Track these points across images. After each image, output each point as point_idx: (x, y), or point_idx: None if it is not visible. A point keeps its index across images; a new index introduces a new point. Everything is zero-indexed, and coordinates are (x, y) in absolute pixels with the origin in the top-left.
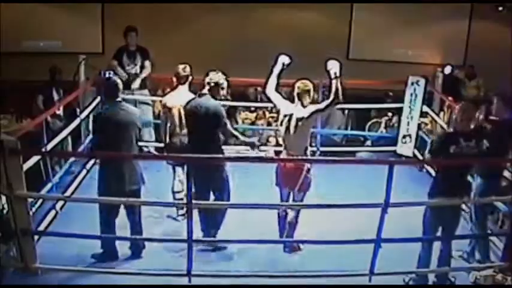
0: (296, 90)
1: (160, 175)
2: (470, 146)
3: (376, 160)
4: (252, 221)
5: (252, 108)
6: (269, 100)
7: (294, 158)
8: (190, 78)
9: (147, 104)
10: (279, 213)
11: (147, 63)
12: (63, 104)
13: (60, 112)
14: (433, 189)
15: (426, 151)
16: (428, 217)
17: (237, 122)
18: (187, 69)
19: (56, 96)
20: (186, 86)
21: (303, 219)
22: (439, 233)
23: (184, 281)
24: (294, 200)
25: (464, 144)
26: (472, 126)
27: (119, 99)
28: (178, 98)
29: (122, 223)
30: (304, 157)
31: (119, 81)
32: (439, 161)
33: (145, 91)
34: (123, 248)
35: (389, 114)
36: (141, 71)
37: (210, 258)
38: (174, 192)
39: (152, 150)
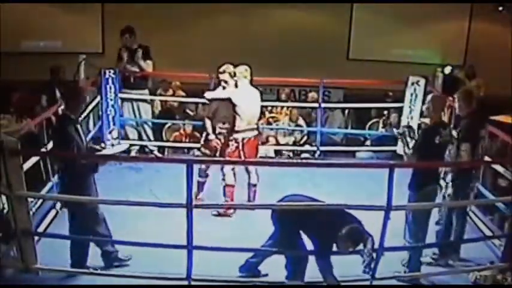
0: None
1: (159, 175)
2: (447, 134)
3: (376, 163)
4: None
5: None
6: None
7: (295, 161)
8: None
9: (147, 103)
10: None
11: (149, 62)
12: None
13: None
14: (412, 181)
15: (407, 148)
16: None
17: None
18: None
19: (58, 96)
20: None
21: None
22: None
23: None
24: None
25: (444, 133)
26: (444, 115)
27: None
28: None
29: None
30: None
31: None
32: (438, 163)
33: (146, 91)
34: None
35: (385, 112)
36: (141, 70)
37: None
38: None
39: (155, 151)
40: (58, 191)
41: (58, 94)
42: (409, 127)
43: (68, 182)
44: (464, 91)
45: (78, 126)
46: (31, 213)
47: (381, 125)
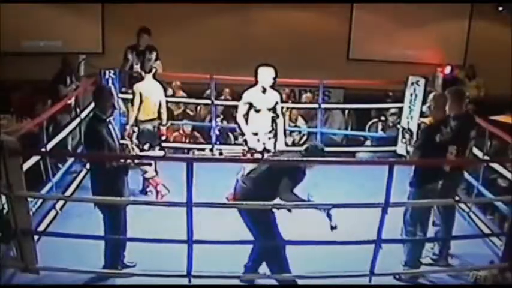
0: None
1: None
2: (448, 132)
3: (376, 161)
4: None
5: None
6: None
7: (291, 159)
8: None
9: None
10: None
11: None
12: (64, 102)
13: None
14: (414, 179)
15: (410, 146)
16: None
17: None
18: None
19: (73, 86)
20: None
21: (302, 219)
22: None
23: (184, 281)
24: None
25: (445, 131)
26: (445, 114)
27: None
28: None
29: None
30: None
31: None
32: (439, 161)
33: None
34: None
35: (383, 118)
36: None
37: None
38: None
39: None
40: (91, 190)
41: (68, 81)
42: (408, 129)
43: (99, 181)
44: (456, 91)
45: (110, 126)
46: (31, 213)
47: (379, 127)
